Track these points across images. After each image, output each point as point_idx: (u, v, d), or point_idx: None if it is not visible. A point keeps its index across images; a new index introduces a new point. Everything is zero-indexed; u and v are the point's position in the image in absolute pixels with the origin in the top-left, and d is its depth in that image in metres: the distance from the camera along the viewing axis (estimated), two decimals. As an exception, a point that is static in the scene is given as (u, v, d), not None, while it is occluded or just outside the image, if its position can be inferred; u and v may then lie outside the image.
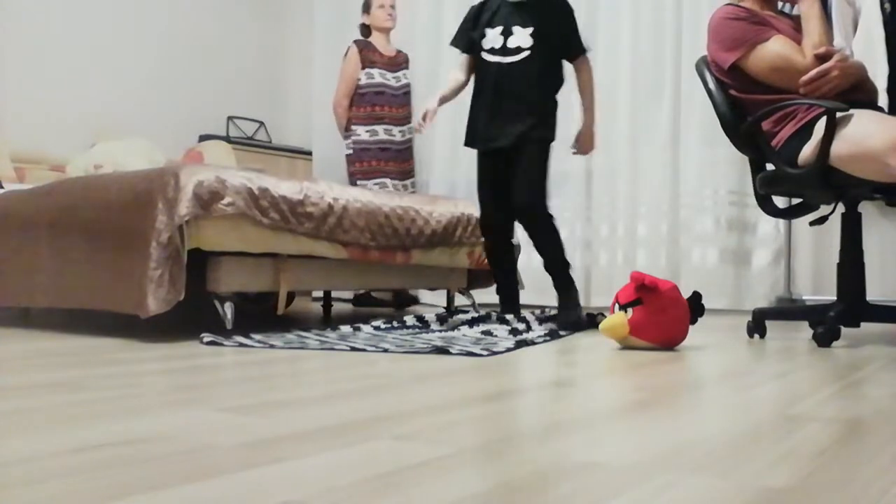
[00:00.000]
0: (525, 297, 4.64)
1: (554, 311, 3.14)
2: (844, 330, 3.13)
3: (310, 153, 5.61)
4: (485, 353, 2.02)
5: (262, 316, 3.54)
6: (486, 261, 3.17)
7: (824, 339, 2.35)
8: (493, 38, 2.96)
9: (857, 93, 2.42)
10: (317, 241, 2.78)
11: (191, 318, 3.26)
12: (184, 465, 0.87)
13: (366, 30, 4.54)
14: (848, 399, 1.38)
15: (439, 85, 5.24)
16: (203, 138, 5.20)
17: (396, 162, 4.48)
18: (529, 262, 4.67)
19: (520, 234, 4.68)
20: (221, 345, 2.21)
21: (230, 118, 5.53)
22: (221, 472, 0.84)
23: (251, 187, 2.55)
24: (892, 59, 2.85)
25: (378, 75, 4.44)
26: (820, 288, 4.05)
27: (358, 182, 4.43)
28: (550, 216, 2.95)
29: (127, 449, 0.94)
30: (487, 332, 2.55)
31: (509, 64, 2.93)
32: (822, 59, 2.38)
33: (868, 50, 2.87)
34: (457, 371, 1.71)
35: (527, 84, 2.93)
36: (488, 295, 4.47)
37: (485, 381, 1.56)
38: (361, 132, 4.42)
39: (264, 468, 0.86)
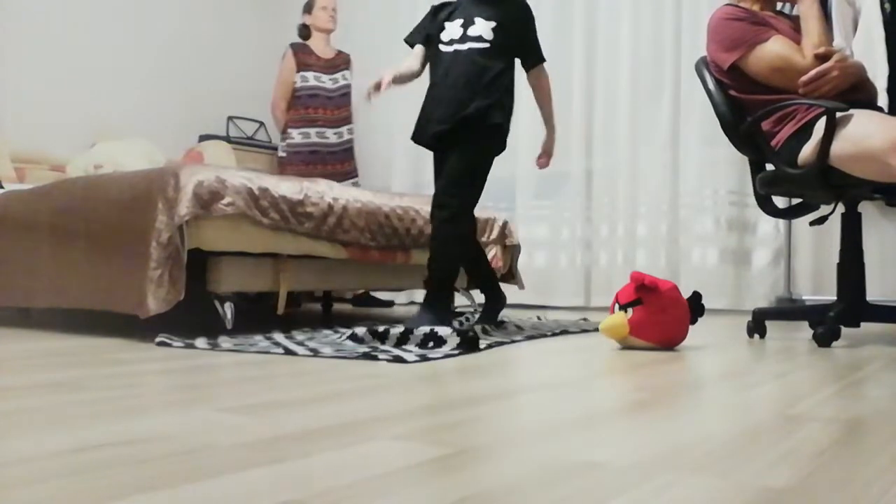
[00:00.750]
0: (524, 297, 4.65)
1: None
2: (844, 330, 3.14)
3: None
4: (417, 359, 1.91)
5: (262, 316, 3.54)
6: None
7: (824, 339, 2.36)
8: (452, 30, 2.80)
9: (856, 93, 2.42)
10: (317, 241, 2.78)
11: (191, 318, 3.26)
12: (184, 465, 0.87)
13: (305, 30, 4.57)
14: (848, 399, 1.38)
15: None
16: (203, 138, 5.20)
17: (329, 164, 4.50)
18: (530, 262, 4.67)
19: (521, 234, 4.69)
20: (170, 345, 2.20)
21: (230, 118, 5.53)
22: (221, 472, 0.84)
23: (251, 187, 2.55)
24: (892, 59, 2.85)
25: (313, 78, 4.47)
26: (820, 288, 4.05)
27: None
28: (463, 218, 2.62)
29: (127, 449, 0.94)
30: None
31: (467, 50, 2.72)
32: (821, 59, 2.38)
33: (868, 50, 2.87)
34: (457, 371, 1.71)
35: (481, 71, 2.69)
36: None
37: (485, 382, 1.56)
38: (295, 135, 4.46)
39: (264, 468, 0.86)
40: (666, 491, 0.78)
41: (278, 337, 2.41)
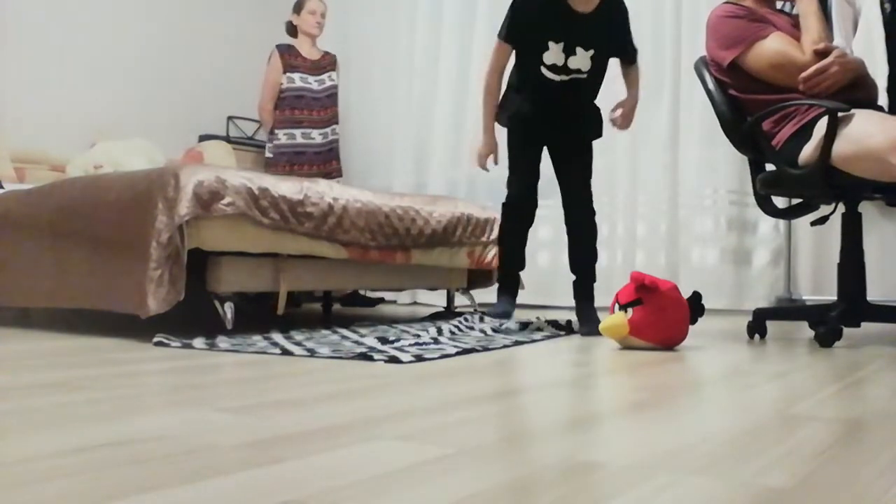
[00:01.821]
0: (525, 297, 4.65)
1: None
2: (845, 330, 3.14)
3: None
4: (413, 359, 1.90)
5: (262, 316, 3.54)
6: (505, 244, 3.00)
7: (826, 339, 2.35)
8: (555, 53, 2.78)
9: (856, 90, 2.42)
10: (317, 241, 2.78)
11: (191, 318, 3.26)
12: (184, 465, 0.87)
13: (292, 28, 4.61)
14: (848, 399, 1.38)
15: (371, 85, 5.28)
16: (203, 138, 5.20)
17: (314, 165, 4.54)
18: (531, 262, 4.67)
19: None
20: (168, 345, 2.21)
21: (230, 118, 5.53)
22: (221, 472, 0.84)
23: (251, 187, 2.55)
24: (893, 59, 2.85)
25: (299, 79, 4.50)
26: (820, 288, 4.05)
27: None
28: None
29: (127, 449, 0.94)
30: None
31: (568, 81, 2.84)
32: (821, 55, 2.38)
33: (868, 50, 2.87)
34: (457, 371, 1.71)
35: (584, 100, 2.94)
36: (488, 295, 4.47)
37: (485, 382, 1.56)
38: (281, 136, 4.50)
39: (264, 468, 0.86)
40: (666, 491, 0.78)
41: (277, 337, 2.41)
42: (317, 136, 4.55)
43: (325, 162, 4.59)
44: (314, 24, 4.54)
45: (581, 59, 2.80)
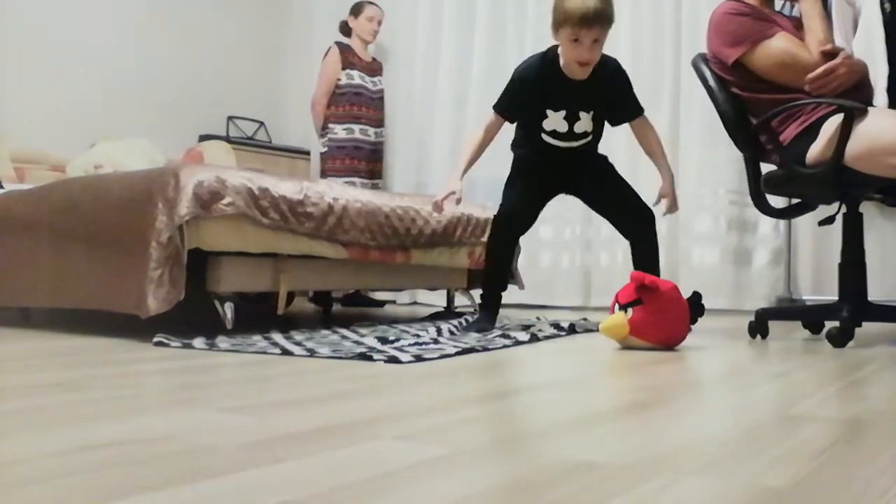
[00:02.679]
0: (525, 297, 4.65)
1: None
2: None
3: (310, 153, 5.62)
4: (412, 359, 1.90)
5: (262, 316, 3.54)
6: (491, 260, 2.92)
7: (839, 339, 2.34)
8: (555, 121, 2.79)
9: (856, 92, 2.42)
10: (317, 241, 2.78)
11: (191, 318, 3.26)
12: (184, 465, 0.87)
13: (346, 29, 4.71)
14: (848, 399, 1.38)
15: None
16: (203, 138, 5.20)
17: (368, 161, 4.66)
18: (531, 262, 4.67)
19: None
20: (168, 345, 2.20)
21: (230, 118, 5.53)
22: (221, 472, 0.84)
23: (251, 187, 2.55)
24: (893, 59, 2.85)
25: (358, 77, 4.62)
26: (820, 288, 4.05)
27: (332, 177, 4.54)
28: None
29: (127, 449, 0.94)
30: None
31: (575, 147, 2.86)
32: (828, 56, 2.37)
33: (868, 50, 2.87)
34: (457, 371, 1.71)
35: (591, 153, 2.97)
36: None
37: (485, 382, 1.56)
38: (339, 130, 4.57)
39: (264, 468, 0.86)
40: (666, 491, 0.78)
41: (277, 337, 2.41)
42: (372, 133, 4.67)
43: (376, 161, 4.72)
44: (370, 31, 4.68)
45: (585, 123, 2.82)
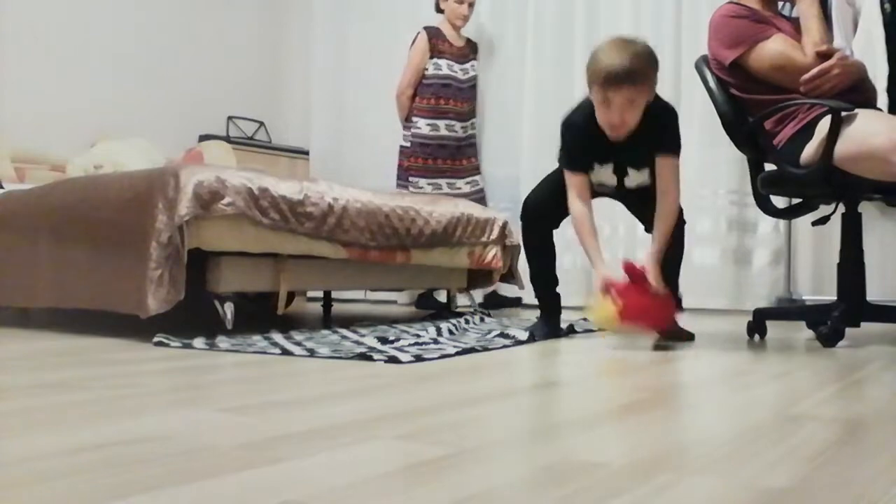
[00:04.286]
0: (525, 297, 4.64)
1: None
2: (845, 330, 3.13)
3: (309, 153, 5.62)
4: (412, 359, 1.89)
5: (262, 316, 3.54)
6: (529, 266, 2.72)
7: (829, 339, 2.35)
8: (605, 176, 2.51)
9: (855, 93, 2.42)
10: (317, 241, 2.78)
11: (191, 318, 3.26)
12: (184, 465, 0.87)
13: (439, 8, 4.35)
14: (848, 399, 1.38)
15: (371, 85, 5.15)
16: (203, 138, 5.20)
17: (455, 159, 4.32)
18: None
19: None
20: (168, 346, 2.20)
21: (230, 118, 5.53)
22: (221, 472, 0.84)
23: (251, 187, 2.55)
24: (893, 59, 2.85)
25: (446, 66, 4.27)
26: (820, 288, 4.05)
27: (410, 179, 4.27)
28: None
29: (127, 449, 0.94)
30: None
31: (626, 192, 2.58)
32: (822, 57, 2.38)
33: (868, 50, 2.87)
34: (456, 371, 1.71)
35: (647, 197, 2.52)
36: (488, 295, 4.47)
37: (484, 382, 1.56)
38: (422, 125, 4.25)
39: (264, 468, 0.86)
40: (666, 491, 0.78)
41: (277, 337, 2.41)
42: (459, 129, 4.33)
43: (468, 157, 4.39)
44: (459, 16, 4.30)
45: (636, 177, 2.50)
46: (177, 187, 2.38)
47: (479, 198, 4.37)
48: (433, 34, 4.29)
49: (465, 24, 4.37)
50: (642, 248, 4.37)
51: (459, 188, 4.36)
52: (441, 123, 4.27)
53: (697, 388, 1.50)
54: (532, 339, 2.48)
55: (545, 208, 2.62)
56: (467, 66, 4.37)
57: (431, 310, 4.18)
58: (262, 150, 5.39)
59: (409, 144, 4.29)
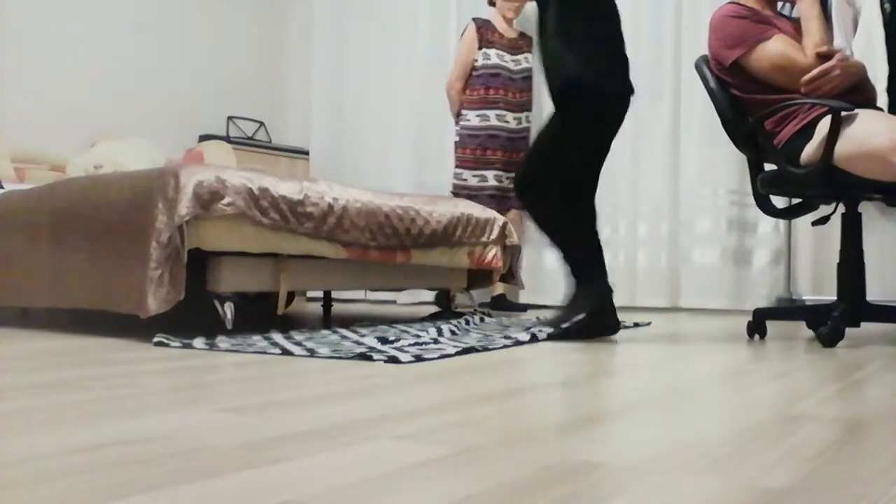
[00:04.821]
0: (525, 297, 4.64)
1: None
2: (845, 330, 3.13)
3: (309, 153, 5.62)
4: (412, 359, 1.89)
5: (262, 316, 3.54)
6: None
7: (829, 339, 2.35)
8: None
9: (856, 94, 2.42)
10: (317, 241, 2.78)
11: (191, 318, 3.26)
12: (184, 465, 0.87)
13: (490, 1, 4.33)
14: (848, 399, 1.38)
15: (370, 85, 5.07)
16: (203, 138, 5.20)
17: (507, 151, 4.22)
18: (533, 262, 4.67)
19: (524, 234, 4.69)
20: (168, 346, 2.20)
21: (230, 118, 5.53)
22: (221, 472, 0.84)
23: (251, 187, 2.55)
24: (893, 59, 2.85)
25: (495, 56, 4.19)
26: (820, 288, 4.05)
27: (455, 170, 4.22)
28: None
29: (127, 449, 0.94)
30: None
31: None
32: (823, 57, 2.38)
33: (868, 50, 2.87)
34: (457, 371, 1.71)
35: None
36: (488, 295, 4.47)
37: (485, 382, 1.56)
38: (472, 117, 4.19)
39: (264, 468, 0.86)
40: (666, 491, 0.78)
41: (277, 337, 2.41)
42: (511, 119, 4.21)
43: (519, 150, 4.24)
44: (511, 8, 4.24)
45: None
46: (177, 187, 2.38)
47: None
48: (481, 25, 4.23)
49: (517, 15, 4.30)
50: (643, 247, 4.37)
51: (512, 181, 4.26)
52: (491, 114, 4.17)
53: (697, 388, 1.50)
54: (534, 339, 2.47)
55: (530, 176, 2.55)
56: (520, 57, 4.27)
57: (441, 308, 4.09)
58: (262, 150, 5.39)
59: (458, 138, 4.24)
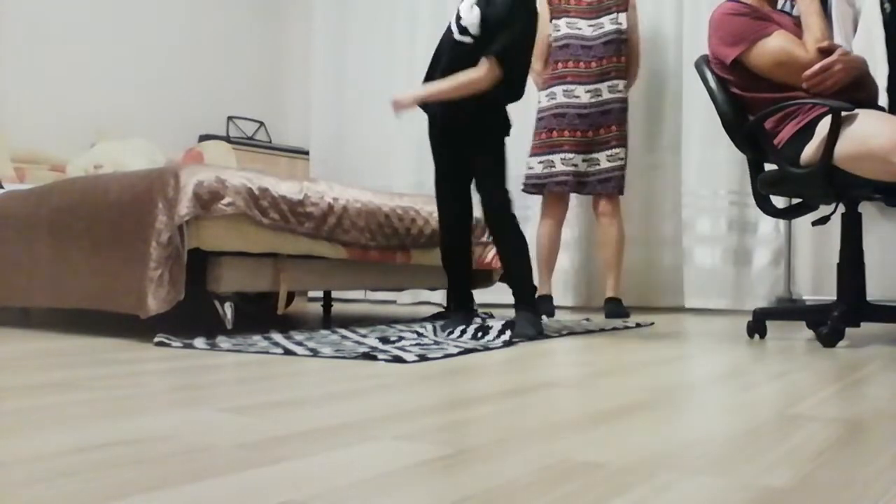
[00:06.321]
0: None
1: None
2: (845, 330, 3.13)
3: (309, 153, 5.62)
4: (416, 359, 1.89)
5: (262, 316, 3.54)
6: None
7: (829, 339, 2.34)
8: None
9: (858, 91, 2.42)
10: (317, 241, 2.78)
11: (191, 318, 3.26)
12: (184, 465, 0.87)
13: None
14: (848, 399, 1.38)
15: (371, 84, 5.18)
16: (203, 138, 5.20)
17: (576, 130, 3.75)
18: (535, 263, 4.66)
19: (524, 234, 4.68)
20: (169, 345, 2.20)
21: (230, 118, 5.53)
22: (221, 472, 0.84)
23: (251, 187, 2.55)
24: (893, 59, 2.85)
25: (565, 26, 3.79)
26: (820, 288, 4.05)
27: (530, 156, 3.89)
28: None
29: (127, 449, 0.94)
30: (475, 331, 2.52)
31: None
32: (824, 53, 2.37)
33: (868, 50, 2.87)
34: (458, 371, 1.71)
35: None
36: (490, 295, 4.47)
37: (486, 381, 1.56)
38: (542, 98, 3.84)
39: (264, 468, 0.86)
40: (666, 491, 0.78)
41: (277, 337, 2.41)
42: (583, 93, 3.74)
43: (595, 127, 3.76)
44: None
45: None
46: (177, 187, 2.38)
47: (614, 177, 3.79)
48: None
49: None
50: (643, 247, 4.37)
51: (592, 162, 3.80)
52: (558, 90, 3.78)
53: (697, 388, 1.50)
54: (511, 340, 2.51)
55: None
56: (603, 20, 3.77)
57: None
58: (262, 150, 5.40)
59: (535, 126, 3.90)
